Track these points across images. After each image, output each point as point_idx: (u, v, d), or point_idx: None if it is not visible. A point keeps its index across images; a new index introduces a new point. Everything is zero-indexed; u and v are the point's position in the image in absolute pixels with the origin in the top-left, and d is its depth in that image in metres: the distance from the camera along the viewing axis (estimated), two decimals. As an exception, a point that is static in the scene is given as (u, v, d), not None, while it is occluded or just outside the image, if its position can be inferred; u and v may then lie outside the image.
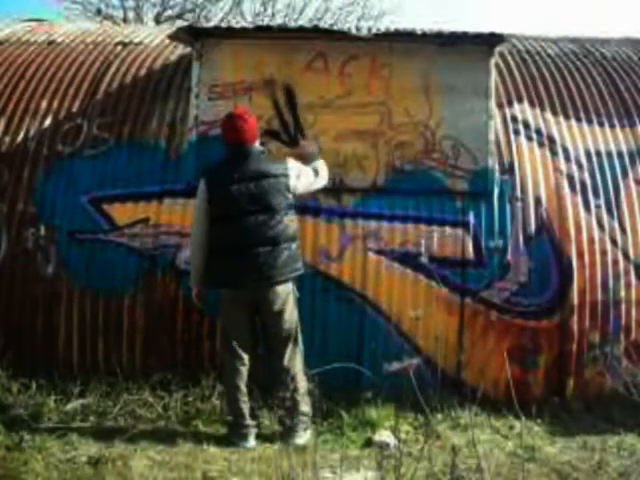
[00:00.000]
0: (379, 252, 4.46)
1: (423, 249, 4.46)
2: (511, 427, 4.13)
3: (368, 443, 3.89)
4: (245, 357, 3.92)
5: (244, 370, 3.91)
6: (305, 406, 3.94)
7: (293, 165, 4.02)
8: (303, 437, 3.88)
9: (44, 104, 5.01)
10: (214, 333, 4.44)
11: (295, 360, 3.95)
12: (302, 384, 3.94)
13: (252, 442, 3.89)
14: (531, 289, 4.47)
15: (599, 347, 4.45)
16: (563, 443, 4.00)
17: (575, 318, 4.44)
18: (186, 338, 4.48)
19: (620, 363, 4.38)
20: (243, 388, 3.90)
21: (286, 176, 3.93)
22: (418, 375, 3.90)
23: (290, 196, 3.95)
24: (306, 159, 4.25)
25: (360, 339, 4.39)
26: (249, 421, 3.91)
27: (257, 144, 4.03)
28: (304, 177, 4.04)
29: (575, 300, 4.44)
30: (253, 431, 3.91)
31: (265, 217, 3.85)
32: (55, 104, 5.00)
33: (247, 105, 4.55)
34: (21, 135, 4.89)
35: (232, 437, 3.89)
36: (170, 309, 4.48)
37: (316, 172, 4.15)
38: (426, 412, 3.63)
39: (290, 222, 3.93)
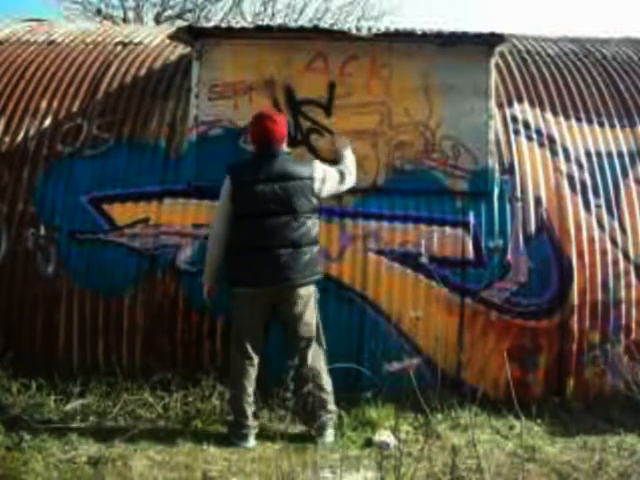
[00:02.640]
0: (379, 252, 4.46)
1: (423, 249, 4.46)
2: (511, 427, 4.13)
3: (368, 443, 3.89)
4: (255, 358, 3.91)
5: (253, 371, 3.90)
6: (331, 404, 3.96)
7: (319, 168, 4.01)
8: (331, 435, 3.91)
9: (44, 104, 5.01)
10: (214, 333, 4.45)
11: (319, 360, 3.95)
12: (328, 383, 3.95)
13: (252, 442, 3.88)
14: (531, 289, 4.46)
15: (599, 347, 4.45)
16: (563, 443, 4.00)
17: (575, 318, 4.43)
18: (186, 338, 4.47)
19: (621, 361, 4.39)
20: (249, 389, 3.89)
21: (312, 179, 3.93)
22: (418, 375, 3.91)
23: (315, 199, 3.95)
24: (337, 153, 4.31)
25: (360, 339, 4.39)
26: (251, 422, 3.90)
27: (284, 145, 4.03)
28: (329, 180, 4.02)
29: (575, 300, 4.44)
30: (253, 432, 3.91)
31: (288, 219, 3.84)
32: (55, 104, 5.00)
33: (247, 105, 4.56)
34: (21, 135, 4.89)
35: (232, 437, 3.88)
36: (170, 309, 4.48)
37: (342, 174, 4.12)
38: (426, 412, 3.63)
39: (313, 225, 3.93)
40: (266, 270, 3.82)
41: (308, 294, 3.92)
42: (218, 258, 3.95)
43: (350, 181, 4.18)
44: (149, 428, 3.98)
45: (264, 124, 3.94)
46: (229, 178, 3.94)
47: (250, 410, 3.90)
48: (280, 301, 3.89)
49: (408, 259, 4.46)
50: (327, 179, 4.01)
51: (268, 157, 3.92)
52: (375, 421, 4.07)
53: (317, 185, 3.94)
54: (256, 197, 3.85)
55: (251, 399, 3.91)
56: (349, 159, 4.28)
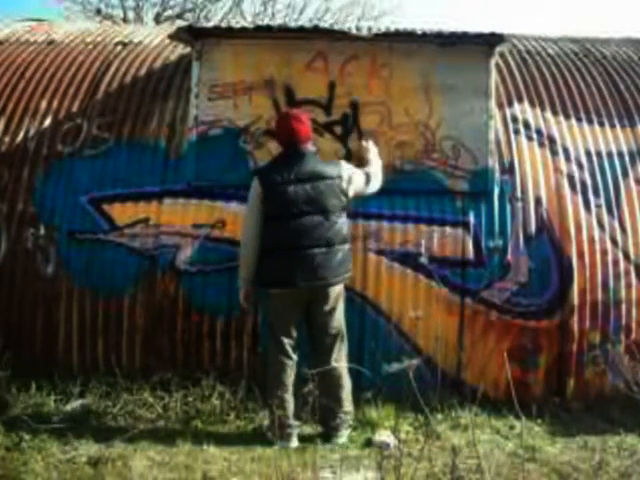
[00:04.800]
0: (379, 252, 4.46)
1: (423, 249, 4.46)
2: (511, 427, 4.13)
3: (368, 443, 3.89)
4: (295, 356, 3.92)
5: (292, 370, 3.90)
6: (349, 405, 3.96)
7: (346, 167, 4.02)
8: (345, 436, 3.91)
9: (44, 104, 5.01)
10: (214, 333, 4.45)
11: (341, 360, 3.95)
12: (347, 383, 3.96)
13: (295, 442, 3.85)
14: (531, 289, 4.46)
15: (599, 347, 4.45)
16: (563, 443, 4.00)
17: (575, 318, 4.43)
18: (186, 338, 4.47)
19: (621, 361, 4.39)
20: (290, 387, 3.88)
21: (340, 178, 3.94)
22: (418, 375, 3.91)
23: (344, 198, 3.96)
24: (363, 160, 4.26)
25: (360, 339, 4.39)
26: (293, 421, 3.88)
27: (310, 144, 4.02)
28: (356, 181, 4.02)
29: (575, 300, 4.44)
30: (296, 431, 3.89)
31: (321, 218, 3.86)
32: (55, 104, 5.00)
33: (247, 105, 4.56)
34: (21, 135, 4.89)
35: (273, 438, 3.78)
36: (170, 309, 4.48)
37: (368, 177, 4.11)
38: (426, 412, 3.62)
39: (343, 224, 3.95)
40: (301, 270, 3.82)
41: (340, 291, 3.97)
42: (253, 261, 3.93)
43: (375, 185, 4.16)
44: (149, 428, 3.97)
45: (290, 124, 3.94)
46: (258, 180, 3.93)
47: (291, 409, 3.88)
48: (313, 299, 3.90)
49: (408, 259, 4.46)
50: (353, 179, 4.01)
51: (296, 157, 3.92)
52: (375, 421, 4.07)
53: (345, 184, 3.95)
54: (288, 198, 3.85)
55: (291, 397, 3.88)
56: (375, 164, 4.24)
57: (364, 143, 4.40)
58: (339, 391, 3.91)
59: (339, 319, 3.98)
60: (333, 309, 3.93)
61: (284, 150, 4.00)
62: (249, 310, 4.20)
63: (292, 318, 3.92)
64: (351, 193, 4.00)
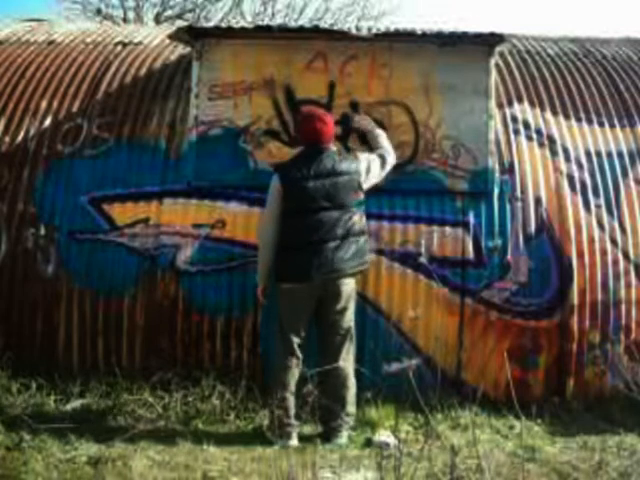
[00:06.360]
0: (379, 252, 4.46)
1: (423, 249, 4.46)
2: (511, 427, 4.12)
3: (368, 443, 3.89)
4: (301, 356, 3.92)
5: (297, 369, 3.90)
6: (352, 407, 3.97)
7: (363, 160, 4.07)
8: (345, 436, 3.91)
9: (44, 104, 5.01)
10: (214, 333, 4.45)
11: (349, 360, 3.96)
12: (352, 385, 3.97)
13: (295, 441, 3.85)
14: (531, 289, 4.47)
15: (599, 347, 4.45)
16: (563, 443, 4.00)
17: (575, 318, 4.43)
18: (186, 338, 4.47)
19: (621, 361, 4.39)
20: (293, 387, 3.89)
21: (358, 174, 4.00)
22: (418, 375, 3.91)
23: (361, 193, 4.03)
24: (367, 134, 4.33)
25: (360, 339, 4.38)
26: (293, 420, 3.88)
27: (332, 144, 4.07)
28: (373, 169, 4.09)
29: (575, 300, 4.44)
30: (296, 430, 3.89)
31: (337, 214, 3.90)
32: (55, 104, 5.00)
33: (247, 105, 4.56)
34: (21, 135, 4.89)
35: (272, 435, 3.77)
36: (170, 309, 4.48)
37: (383, 158, 4.17)
38: (426, 412, 3.62)
39: (359, 218, 3.99)
40: (315, 263, 3.84)
41: (352, 290, 3.99)
42: (271, 257, 3.96)
43: (391, 161, 4.22)
44: (149, 428, 3.96)
45: (314, 125, 3.98)
46: (278, 177, 3.97)
47: (292, 408, 3.88)
48: (325, 297, 3.91)
49: (408, 259, 4.46)
50: (371, 169, 4.08)
51: (316, 155, 3.96)
52: (375, 421, 4.07)
53: (363, 178, 4.02)
54: (308, 194, 3.89)
55: (293, 397, 3.88)
56: (382, 138, 4.29)
57: (357, 118, 4.44)
58: (344, 392, 3.91)
59: (349, 319, 3.99)
60: (344, 308, 3.95)
61: (305, 148, 4.04)
62: (265, 304, 4.20)
63: (302, 316, 3.93)
64: (367, 185, 4.06)
